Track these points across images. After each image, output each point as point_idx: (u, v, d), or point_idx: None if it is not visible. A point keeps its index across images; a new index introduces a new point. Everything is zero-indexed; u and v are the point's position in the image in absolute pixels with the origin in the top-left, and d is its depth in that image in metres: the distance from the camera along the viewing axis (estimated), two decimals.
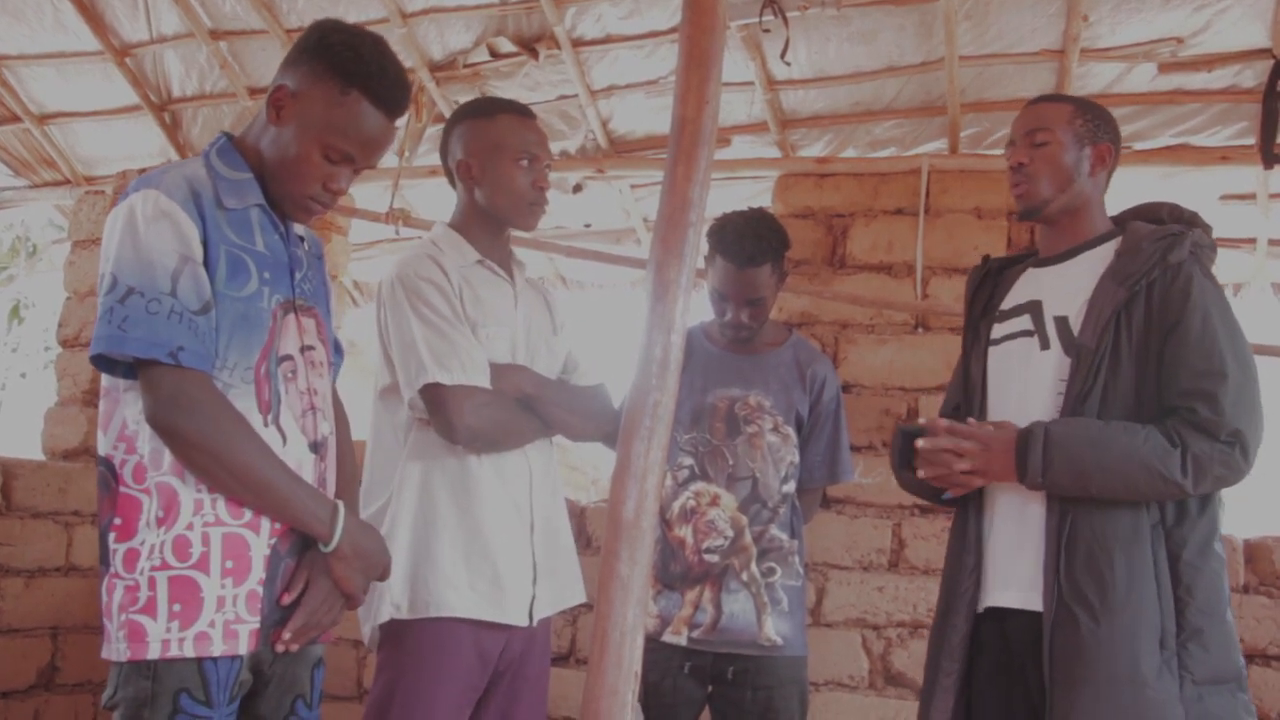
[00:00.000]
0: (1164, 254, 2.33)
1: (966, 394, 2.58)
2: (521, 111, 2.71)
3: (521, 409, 2.55)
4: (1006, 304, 2.56)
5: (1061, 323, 2.40)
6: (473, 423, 2.44)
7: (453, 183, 2.71)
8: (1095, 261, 2.43)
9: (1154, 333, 2.30)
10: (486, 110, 2.70)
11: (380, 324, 2.57)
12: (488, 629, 2.47)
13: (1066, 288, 2.43)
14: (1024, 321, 2.47)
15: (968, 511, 2.48)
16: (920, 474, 2.41)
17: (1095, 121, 2.50)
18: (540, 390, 2.58)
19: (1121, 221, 2.52)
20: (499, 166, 2.62)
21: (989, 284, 2.65)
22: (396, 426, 2.57)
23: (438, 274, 2.53)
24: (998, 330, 2.54)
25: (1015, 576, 2.35)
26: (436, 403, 2.44)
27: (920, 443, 2.38)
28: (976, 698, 2.41)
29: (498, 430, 2.50)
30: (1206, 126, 4.11)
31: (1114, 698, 2.17)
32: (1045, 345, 2.41)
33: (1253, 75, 3.92)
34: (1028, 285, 2.54)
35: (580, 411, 2.66)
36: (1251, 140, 4.04)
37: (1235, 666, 2.25)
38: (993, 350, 2.54)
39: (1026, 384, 2.43)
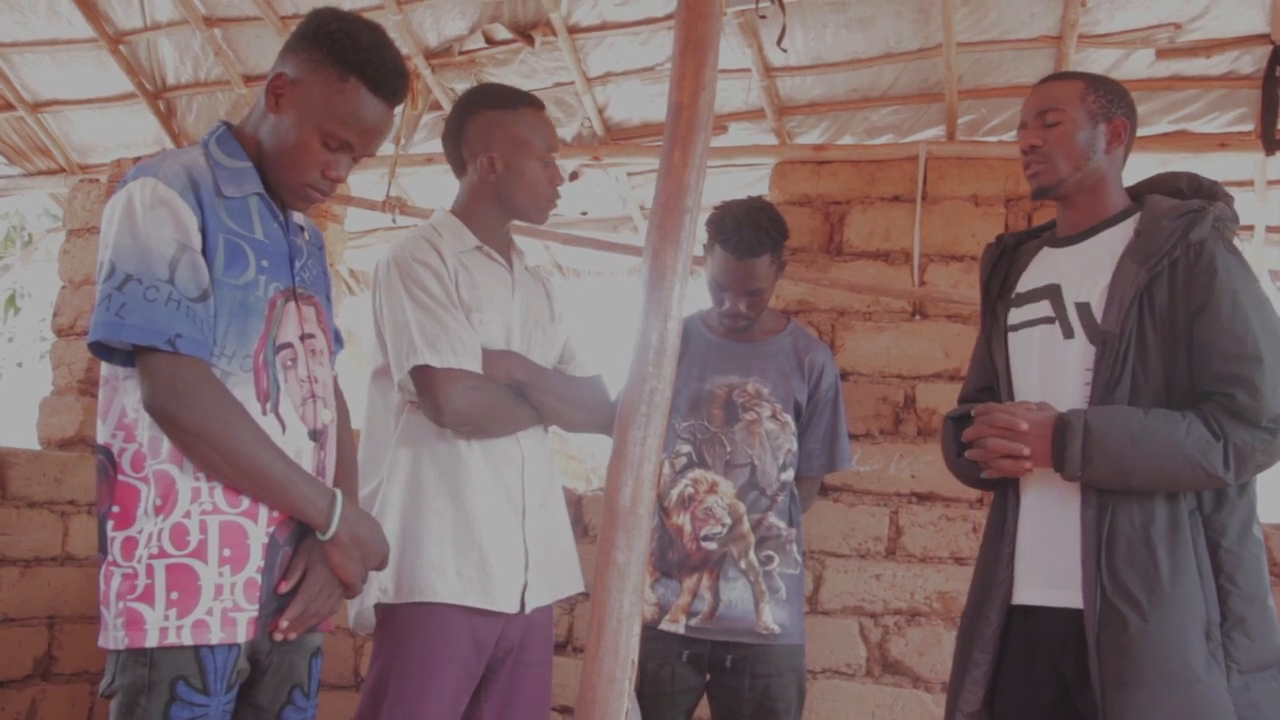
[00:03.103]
0: (1185, 231, 2.25)
1: (992, 382, 2.53)
2: (538, 104, 2.72)
3: (512, 395, 2.54)
4: (1023, 286, 2.49)
5: (1084, 309, 2.33)
6: (461, 406, 2.43)
7: (459, 167, 2.70)
8: (1113, 241, 2.36)
9: (1180, 314, 2.23)
10: (507, 101, 2.68)
11: (375, 306, 2.57)
12: (480, 615, 2.46)
13: (1085, 270, 2.37)
14: (1044, 307, 2.41)
15: (1006, 502, 2.42)
16: (968, 455, 2.37)
17: (1108, 97, 2.42)
18: (533, 377, 2.57)
19: (1138, 195, 2.45)
20: (522, 163, 2.63)
21: (1004, 264, 2.58)
22: (389, 410, 2.56)
23: (433, 257, 2.52)
24: (1015, 315, 2.48)
25: (1050, 573, 2.30)
26: (425, 385, 2.43)
27: (964, 435, 2.35)
28: (1000, 690, 2.37)
29: (486, 415, 2.49)
30: (1205, 113, 4.10)
31: (1167, 697, 2.11)
32: (1069, 334, 2.35)
33: (1251, 61, 3.91)
34: (1044, 267, 2.47)
35: (574, 401, 2.64)
36: (1250, 126, 4.04)
37: (1278, 651, 2.20)
38: (1012, 337, 2.48)
39: (1052, 374, 2.37)
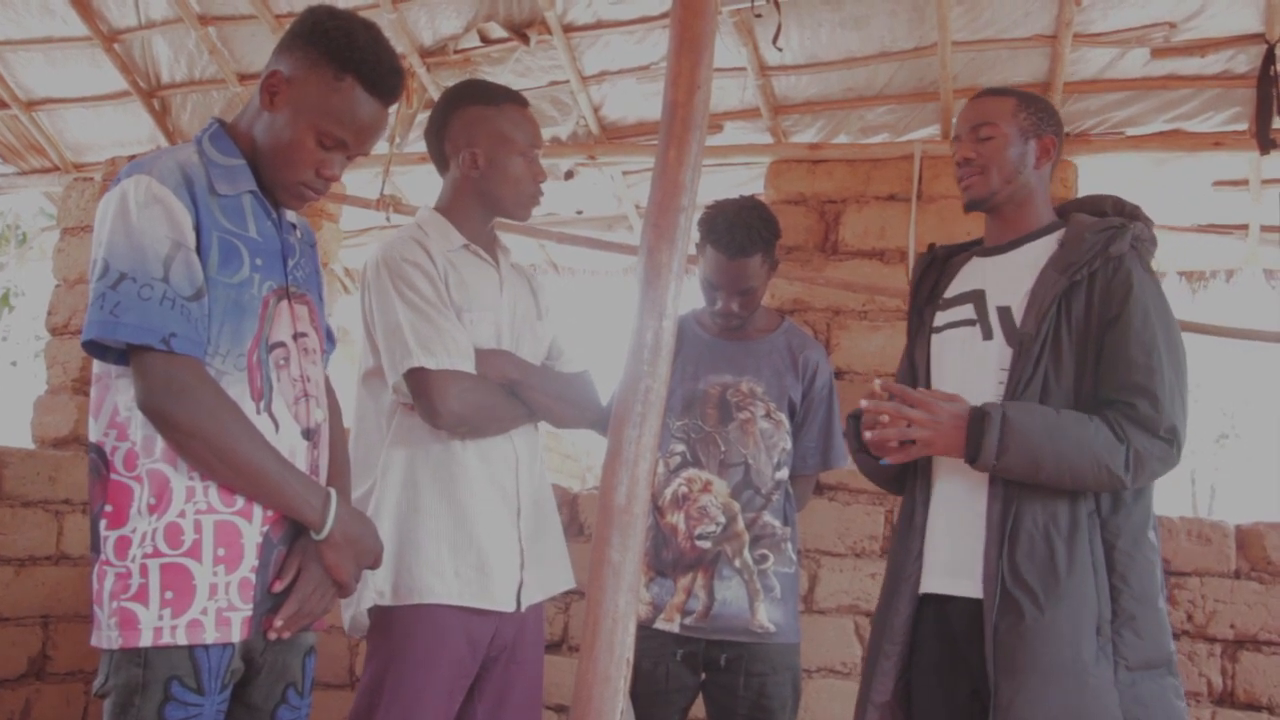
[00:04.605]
0: (1106, 245, 2.36)
1: (911, 381, 2.60)
2: (522, 101, 2.72)
3: (505, 394, 2.54)
4: (950, 292, 2.59)
5: (1004, 313, 2.43)
6: (456, 408, 2.43)
7: (442, 164, 2.69)
8: (1038, 252, 2.46)
9: (1094, 323, 2.33)
10: (490, 97, 2.68)
11: (365, 307, 2.56)
12: (476, 615, 2.47)
13: (1009, 278, 2.47)
14: (967, 310, 2.51)
15: (915, 497, 2.50)
16: (865, 436, 2.41)
17: (1039, 115, 2.52)
18: (525, 376, 2.58)
19: (1065, 213, 2.56)
20: (506, 159, 2.62)
21: (934, 271, 2.68)
22: (380, 411, 2.56)
23: (422, 257, 2.52)
24: (940, 318, 2.57)
25: (956, 564, 2.38)
26: (421, 387, 2.43)
27: (863, 403, 2.39)
28: (918, 681, 2.44)
29: (481, 415, 2.50)
30: (1200, 112, 4.11)
31: (1057, 685, 2.20)
32: (988, 335, 2.45)
33: (1246, 60, 3.92)
34: (971, 274, 2.57)
35: (564, 398, 2.66)
36: (1244, 126, 4.04)
37: (1166, 652, 2.29)
38: (935, 338, 2.57)
39: (969, 373, 2.45)
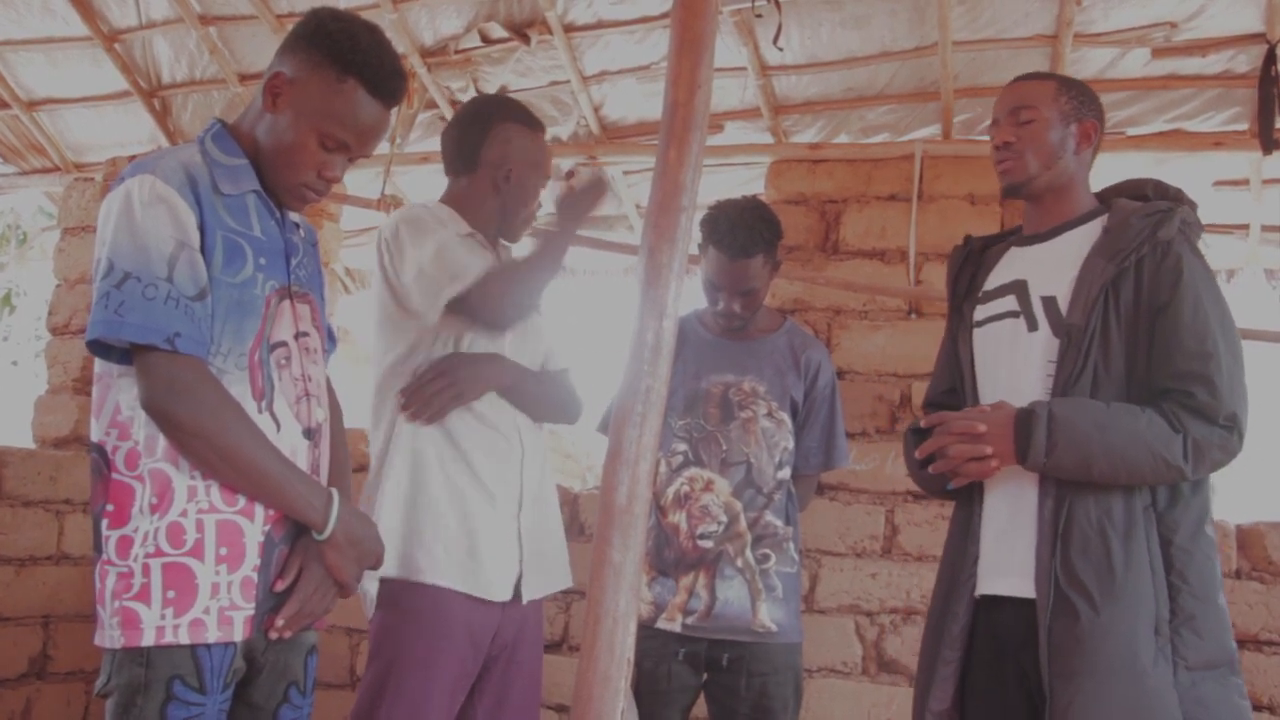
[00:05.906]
0: (1154, 230, 2.28)
1: (956, 379, 2.55)
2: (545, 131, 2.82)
3: (525, 278, 2.54)
4: (990, 284, 2.51)
5: (1049, 303, 2.35)
6: (508, 309, 2.49)
7: (463, 165, 2.71)
8: (1081, 239, 2.38)
9: (1144, 311, 2.26)
10: (532, 122, 2.76)
11: (385, 251, 2.55)
12: (476, 607, 2.48)
13: (1053, 266, 2.38)
14: (1009, 302, 2.43)
15: (971, 500, 2.43)
16: (931, 469, 2.37)
17: (1080, 99, 2.45)
18: (518, 381, 2.63)
19: (1105, 198, 2.48)
20: (530, 186, 2.72)
21: (971, 264, 2.61)
22: (396, 363, 2.59)
23: (446, 217, 2.59)
24: (981, 312, 2.49)
25: (1009, 564, 2.30)
26: (466, 308, 2.45)
27: (917, 451, 2.37)
28: (970, 684, 2.38)
29: (517, 309, 2.53)
30: (1200, 111, 4.11)
31: (1114, 688, 2.13)
32: (1033, 326, 2.37)
33: (1247, 60, 3.92)
34: (1011, 265, 2.50)
35: (547, 400, 2.71)
36: (1245, 125, 4.04)
37: (1228, 651, 2.21)
38: (978, 332, 2.50)
39: (1015, 366, 2.38)
